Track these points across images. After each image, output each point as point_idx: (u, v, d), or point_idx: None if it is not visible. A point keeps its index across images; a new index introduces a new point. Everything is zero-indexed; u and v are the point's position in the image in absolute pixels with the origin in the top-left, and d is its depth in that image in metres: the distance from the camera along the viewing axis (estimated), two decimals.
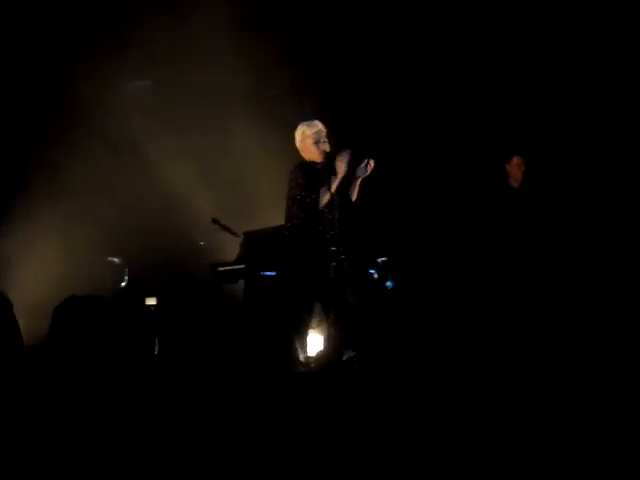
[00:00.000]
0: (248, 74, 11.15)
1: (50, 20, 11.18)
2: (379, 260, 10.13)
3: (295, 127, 7.73)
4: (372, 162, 7.46)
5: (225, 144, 11.38)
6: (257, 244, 9.58)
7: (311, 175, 7.42)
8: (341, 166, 7.31)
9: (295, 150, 7.70)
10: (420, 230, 11.30)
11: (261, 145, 10.81)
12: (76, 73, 10.95)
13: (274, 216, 10.02)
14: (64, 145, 11.10)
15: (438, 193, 11.21)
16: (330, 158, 7.46)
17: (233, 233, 10.01)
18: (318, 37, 11.43)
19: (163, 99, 11.81)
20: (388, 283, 10.32)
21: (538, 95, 10.76)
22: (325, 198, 7.33)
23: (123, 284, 11.21)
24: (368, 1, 11.19)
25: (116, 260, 11.26)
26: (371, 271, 10.23)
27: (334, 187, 7.36)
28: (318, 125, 7.57)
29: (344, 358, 7.18)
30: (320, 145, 7.50)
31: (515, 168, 9.72)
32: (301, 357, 7.44)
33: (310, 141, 7.52)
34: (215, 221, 10.05)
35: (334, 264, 7.39)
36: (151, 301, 10.26)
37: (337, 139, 7.72)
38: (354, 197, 7.60)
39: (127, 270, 11.24)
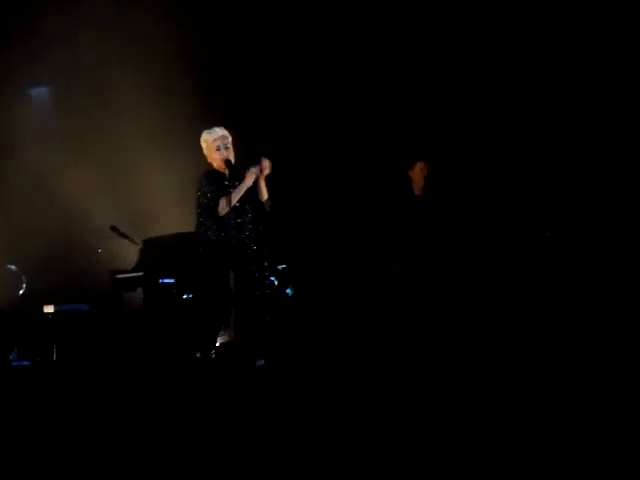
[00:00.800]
0: (148, 79, 11.09)
1: None
2: (279, 267, 10.17)
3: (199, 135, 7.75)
4: (266, 161, 7.50)
5: (125, 151, 11.29)
6: (156, 251, 9.55)
7: (216, 182, 7.45)
8: (249, 177, 7.39)
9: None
10: (322, 236, 11.35)
11: (161, 152, 10.81)
12: None
13: (173, 224, 10.10)
14: None
15: (341, 199, 11.25)
16: (231, 166, 7.49)
17: (132, 240, 10.01)
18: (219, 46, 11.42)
19: (62, 104, 11.73)
20: (288, 290, 10.37)
21: (440, 97, 10.85)
22: (223, 206, 7.35)
23: (21, 292, 11.07)
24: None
25: (13, 267, 11.12)
26: (271, 278, 10.27)
27: (236, 197, 7.39)
28: (219, 132, 7.58)
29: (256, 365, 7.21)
30: (222, 152, 7.52)
31: (418, 174, 9.75)
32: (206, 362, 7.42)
33: (212, 148, 7.55)
34: (114, 228, 10.04)
35: (238, 269, 7.41)
36: (49, 309, 10.17)
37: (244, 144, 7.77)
38: (264, 196, 7.61)
39: (25, 277, 11.10)
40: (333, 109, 11.29)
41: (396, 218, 9.74)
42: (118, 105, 11.14)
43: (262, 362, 7.30)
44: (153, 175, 10.95)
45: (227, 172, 7.52)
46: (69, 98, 11.58)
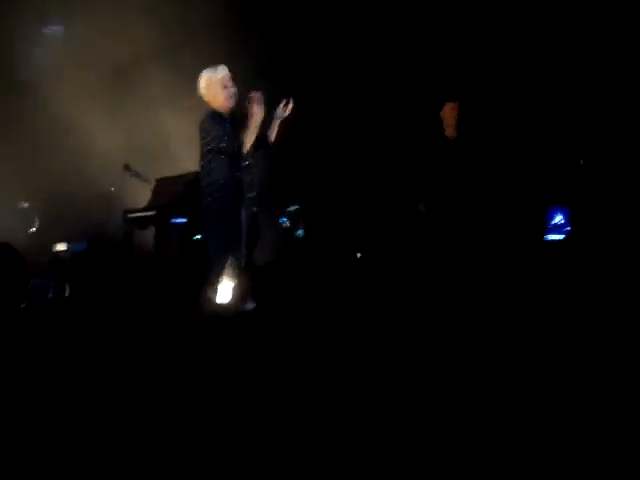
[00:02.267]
0: (161, 18, 11.05)
1: None
2: (290, 208, 10.17)
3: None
4: (291, 103, 7.45)
5: (137, 89, 11.30)
6: (168, 191, 9.55)
7: (223, 123, 7.40)
8: (257, 110, 7.31)
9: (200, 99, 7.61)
10: (342, 177, 11.30)
11: (173, 90, 10.78)
12: None
13: (186, 162, 10.10)
14: None
15: (366, 140, 11.18)
16: (238, 103, 7.44)
17: (145, 179, 10.00)
18: None
19: (72, 43, 11.69)
20: (299, 232, 10.37)
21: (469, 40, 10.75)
22: (249, 144, 7.34)
23: (33, 229, 11.11)
24: None
25: (26, 205, 11.15)
26: (282, 220, 10.27)
27: (254, 132, 7.35)
28: (224, 70, 7.51)
29: (248, 308, 7.20)
30: (229, 89, 7.46)
31: (449, 115, 9.48)
32: (213, 304, 7.43)
33: (218, 86, 7.46)
34: (127, 167, 10.02)
35: (248, 210, 7.43)
36: (61, 247, 10.22)
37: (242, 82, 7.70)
38: (273, 138, 7.58)
39: (37, 215, 11.14)
40: (362, 47, 11.16)
41: (426, 160, 9.57)
42: (132, 45, 11.14)
43: (254, 305, 7.26)
44: (167, 114, 10.96)
45: (231, 112, 7.46)
46: (83, 36, 11.48)
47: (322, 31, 11.21)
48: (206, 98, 7.52)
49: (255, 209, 7.54)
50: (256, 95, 7.31)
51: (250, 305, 7.24)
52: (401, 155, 10.24)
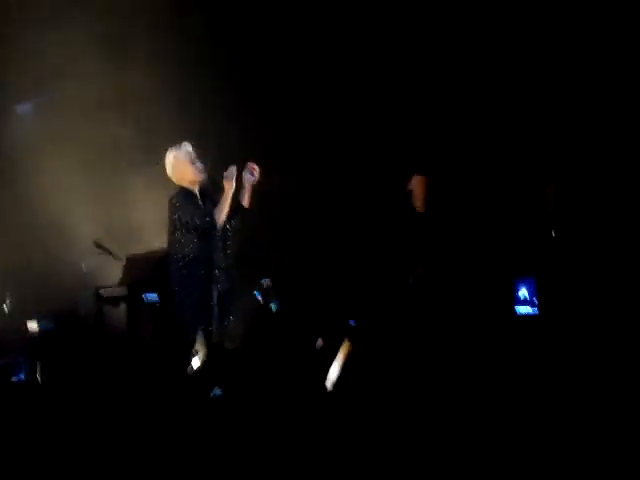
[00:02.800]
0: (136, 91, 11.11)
1: None
2: (263, 282, 10.16)
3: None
4: (255, 166, 7.46)
5: (111, 165, 11.31)
6: (140, 267, 9.57)
7: (192, 200, 7.43)
8: (229, 185, 7.33)
9: (160, 182, 7.65)
10: (309, 249, 11.30)
11: (147, 168, 10.81)
12: None
13: (157, 240, 10.10)
14: None
15: (334, 212, 11.19)
16: (205, 177, 7.47)
17: (116, 256, 10.01)
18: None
19: (46, 118, 11.71)
20: (273, 305, 10.35)
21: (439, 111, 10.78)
22: (220, 220, 7.35)
23: (4, 307, 11.03)
24: None
25: None
26: (255, 293, 10.25)
27: (226, 207, 7.37)
28: (188, 146, 7.53)
29: (211, 395, 7.15)
30: (197, 165, 7.49)
31: (417, 187, 9.48)
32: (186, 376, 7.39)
33: (186, 163, 7.49)
34: (98, 244, 10.04)
35: (219, 285, 7.41)
36: (32, 325, 10.16)
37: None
38: (246, 203, 7.57)
39: (9, 293, 11.06)
40: (330, 120, 11.21)
41: (395, 235, 9.59)
42: (103, 118, 11.18)
43: (219, 392, 7.21)
44: (138, 191, 10.97)
45: (199, 187, 7.49)
46: (53, 111, 11.52)
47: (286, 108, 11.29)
48: (174, 176, 7.55)
49: (227, 285, 7.49)
50: (230, 170, 7.36)
51: (217, 391, 7.19)
52: (370, 228, 10.24)
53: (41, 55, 10.97)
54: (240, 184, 7.47)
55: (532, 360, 7.93)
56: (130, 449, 6.16)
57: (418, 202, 9.48)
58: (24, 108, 12.03)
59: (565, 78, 10.03)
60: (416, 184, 9.48)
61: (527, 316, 8.69)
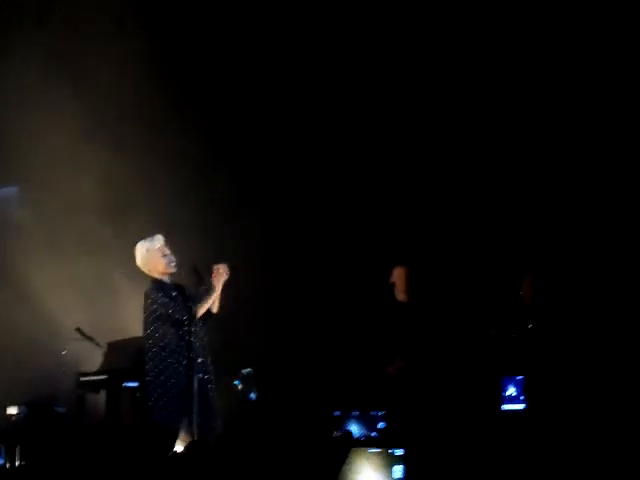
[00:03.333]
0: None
1: None
2: (243, 371, 10.18)
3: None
4: (223, 267, 7.49)
5: (94, 253, 11.39)
6: (121, 354, 9.59)
7: (168, 291, 7.46)
8: (219, 281, 7.40)
9: (139, 272, 7.67)
10: (289, 337, 11.34)
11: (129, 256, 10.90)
12: None
13: (137, 326, 10.14)
14: None
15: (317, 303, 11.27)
16: (196, 269, 7.49)
17: (96, 343, 10.03)
18: None
19: (30, 204, 11.84)
20: (252, 395, 10.36)
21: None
22: (201, 311, 7.38)
23: None
24: None
25: None
26: (235, 382, 10.26)
27: (210, 301, 7.41)
28: (161, 238, 7.58)
29: None
30: (169, 257, 7.52)
31: (398, 279, 9.58)
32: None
33: (158, 256, 7.52)
34: (79, 331, 10.07)
35: (199, 376, 7.39)
36: (12, 410, 10.15)
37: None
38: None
39: None
40: (313, 211, 11.40)
41: (379, 326, 9.63)
42: (88, 206, 11.29)
43: None
44: (120, 279, 11.04)
45: (171, 279, 7.53)
46: (38, 198, 11.64)
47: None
48: (145, 269, 7.58)
49: (206, 376, 7.49)
50: (220, 267, 7.42)
51: None
52: (353, 322, 10.30)
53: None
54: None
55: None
56: None
57: (400, 293, 9.59)
58: (7, 192, 12.16)
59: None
60: (397, 276, 9.58)
61: (514, 412, 8.74)
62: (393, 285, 9.64)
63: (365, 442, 7.35)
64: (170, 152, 11.38)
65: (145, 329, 7.53)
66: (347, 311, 10.73)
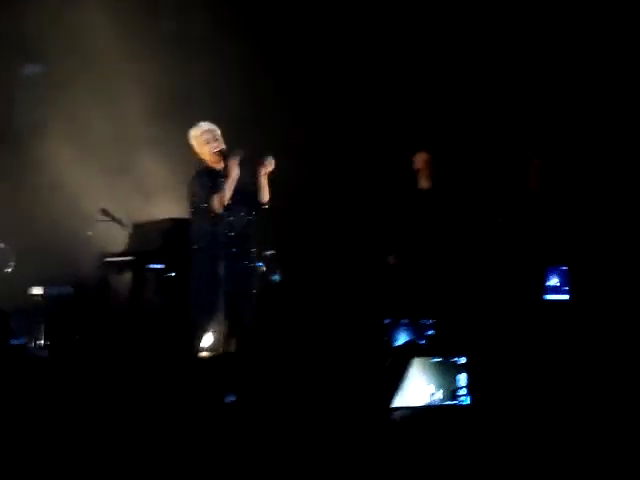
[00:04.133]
0: (147, 58, 11.09)
1: None
2: (266, 253, 10.17)
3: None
4: (271, 160, 7.36)
5: (118, 130, 11.31)
6: (146, 236, 9.58)
7: (207, 181, 7.34)
8: (233, 167, 7.26)
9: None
10: (316, 225, 11.32)
11: (156, 134, 10.85)
12: None
13: (165, 207, 10.12)
14: None
15: (340, 190, 11.21)
16: (225, 155, 7.36)
17: (122, 224, 10.02)
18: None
19: (51, 82, 11.68)
20: (275, 276, 10.38)
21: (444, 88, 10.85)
22: (217, 203, 7.26)
23: (8, 270, 11.04)
24: None
25: (1, 245, 11.09)
26: (259, 264, 10.27)
27: (229, 190, 7.28)
28: (205, 126, 7.40)
29: (226, 400, 7.10)
30: (212, 144, 7.39)
31: (422, 165, 9.42)
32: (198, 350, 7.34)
33: (201, 142, 7.41)
34: (104, 211, 10.05)
35: (227, 264, 7.30)
36: (36, 290, 10.20)
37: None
38: (265, 197, 7.48)
39: (13, 255, 11.07)
40: (336, 101, 11.24)
41: (397, 211, 9.52)
42: (113, 87, 11.18)
43: (233, 398, 7.16)
44: (146, 158, 10.99)
45: (222, 166, 7.40)
46: (64, 77, 11.47)
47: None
48: (195, 153, 7.50)
49: (238, 265, 7.41)
50: (236, 153, 7.29)
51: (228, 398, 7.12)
52: (375, 206, 10.24)
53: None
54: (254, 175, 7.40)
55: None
56: (129, 429, 6.20)
57: (423, 179, 9.49)
58: (33, 70, 12.03)
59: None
60: (422, 162, 9.47)
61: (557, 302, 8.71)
62: (417, 172, 9.53)
63: (427, 351, 7.24)
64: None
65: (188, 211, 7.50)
66: (371, 199, 10.68)
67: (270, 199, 7.44)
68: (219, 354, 7.14)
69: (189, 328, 7.31)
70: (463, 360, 6.75)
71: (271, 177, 7.40)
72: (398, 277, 9.41)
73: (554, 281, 8.82)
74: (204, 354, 7.23)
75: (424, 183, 9.49)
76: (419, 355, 6.93)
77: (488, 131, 10.61)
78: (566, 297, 8.82)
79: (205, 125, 7.41)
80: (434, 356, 6.87)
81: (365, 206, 10.74)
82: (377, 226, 9.79)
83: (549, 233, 9.11)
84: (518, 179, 9.38)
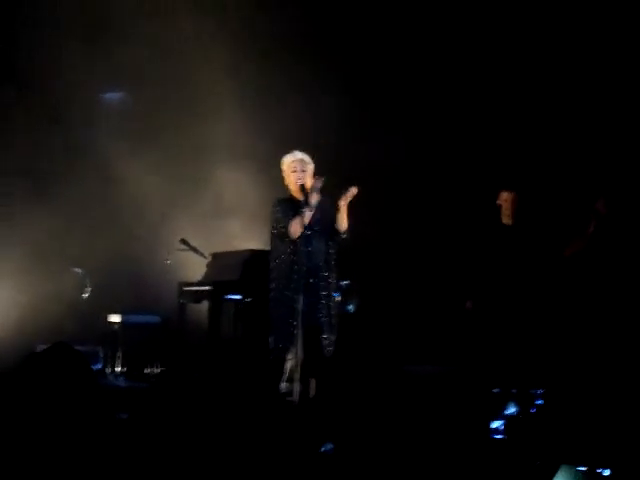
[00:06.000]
0: (237, 87, 11.17)
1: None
2: (342, 283, 10.13)
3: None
4: (353, 189, 7.31)
5: (202, 166, 11.37)
6: (224, 266, 9.59)
7: (288, 208, 7.34)
8: (313, 195, 7.24)
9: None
10: (396, 257, 11.26)
11: (242, 169, 10.89)
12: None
13: (244, 240, 10.13)
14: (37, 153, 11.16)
15: (423, 225, 11.16)
16: (305, 190, 7.33)
17: (201, 254, 10.06)
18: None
19: (140, 112, 11.77)
20: (350, 307, 10.34)
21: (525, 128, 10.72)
22: (294, 229, 7.24)
23: (85, 295, 11.14)
24: None
25: (79, 270, 11.20)
26: (335, 294, 10.23)
27: (306, 217, 7.25)
28: (297, 155, 7.43)
29: (321, 450, 6.99)
30: (297, 174, 7.38)
31: (506, 203, 9.23)
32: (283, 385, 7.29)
33: (289, 170, 7.44)
34: (184, 241, 10.10)
35: (305, 296, 7.24)
36: (115, 318, 10.27)
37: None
38: (343, 226, 7.44)
39: (90, 281, 11.17)
40: (423, 135, 11.19)
41: (480, 248, 9.43)
42: (202, 115, 11.26)
43: (330, 447, 7.04)
44: (226, 190, 11.04)
45: (302, 197, 7.38)
46: (150, 103, 11.59)
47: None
48: (285, 182, 7.52)
49: (313, 298, 7.35)
50: (317, 180, 7.27)
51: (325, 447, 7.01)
52: (455, 243, 10.18)
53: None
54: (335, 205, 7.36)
55: None
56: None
57: (506, 216, 9.37)
58: (113, 96, 12.15)
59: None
60: (505, 199, 9.36)
61: None
62: (500, 207, 9.43)
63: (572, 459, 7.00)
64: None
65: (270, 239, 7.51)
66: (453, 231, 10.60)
67: (348, 228, 7.40)
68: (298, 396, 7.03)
69: (268, 360, 7.28)
70: (607, 472, 6.51)
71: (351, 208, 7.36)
72: (478, 324, 9.30)
73: None
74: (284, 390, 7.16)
75: (507, 220, 9.37)
76: (566, 462, 6.68)
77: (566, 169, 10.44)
78: None
79: (299, 154, 7.44)
80: (580, 465, 6.61)
81: (446, 244, 10.67)
82: (457, 265, 9.71)
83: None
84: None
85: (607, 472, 6.11)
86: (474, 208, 10.13)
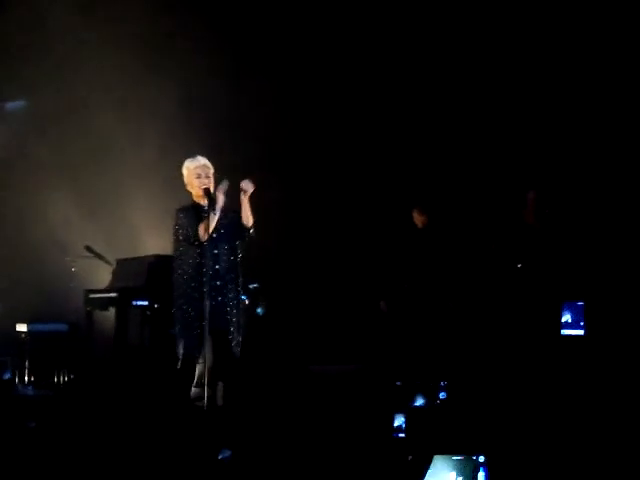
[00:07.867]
0: (131, 94, 11.13)
1: None
2: (250, 286, 10.18)
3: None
4: (245, 181, 7.30)
5: (104, 169, 11.32)
6: (130, 272, 9.58)
7: (192, 214, 7.35)
8: (219, 197, 7.25)
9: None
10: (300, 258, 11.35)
11: (140, 173, 10.87)
12: None
13: (148, 245, 10.12)
14: None
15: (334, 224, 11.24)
16: (210, 195, 7.33)
17: (106, 261, 10.03)
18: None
19: (36, 115, 11.67)
20: (259, 309, 10.40)
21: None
22: (201, 234, 7.26)
23: None
24: None
25: None
26: (242, 297, 10.28)
27: (213, 221, 7.27)
28: (201, 160, 7.35)
29: (219, 457, 7.02)
30: (202, 180, 7.37)
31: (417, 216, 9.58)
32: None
33: (192, 176, 7.42)
34: (88, 248, 10.05)
35: (213, 298, 7.26)
36: (22, 327, 10.19)
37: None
38: (249, 221, 7.46)
39: None
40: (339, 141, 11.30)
41: (395, 251, 9.56)
42: (99, 123, 11.21)
43: (228, 454, 7.07)
44: (131, 195, 11.00)
45: (206, 202, 7.40)
46: (48, 113, 11.47)
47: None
48: (187, 188, 7.49)
49: (222, 299, 7.39)
50: (223, 184, 7.29)
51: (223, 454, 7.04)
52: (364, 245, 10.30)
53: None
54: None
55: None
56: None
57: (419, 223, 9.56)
58: (16, 107, 12.02)
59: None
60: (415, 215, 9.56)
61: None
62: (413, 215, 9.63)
63: (447, 448, 7.10)
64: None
65: (172, 245, 7.48)
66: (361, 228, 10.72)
67: (254, 223, 7.43)
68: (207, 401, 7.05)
69: (175, 365, 7.28)
70: (482, 459, 6.65)
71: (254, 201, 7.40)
72: (389, 324, 9.44)
73: (566, 317, 8.76)
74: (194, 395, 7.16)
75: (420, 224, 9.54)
76: (440, 452, 6.80)
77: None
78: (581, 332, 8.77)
79: (202, 160, 7.36)
80: (455, 454, 6.74)
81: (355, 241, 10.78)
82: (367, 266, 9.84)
83: (562, 268, 9.05)
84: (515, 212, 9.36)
85: (482, 458, 6.25)
86: (389, 209, 10.27)
